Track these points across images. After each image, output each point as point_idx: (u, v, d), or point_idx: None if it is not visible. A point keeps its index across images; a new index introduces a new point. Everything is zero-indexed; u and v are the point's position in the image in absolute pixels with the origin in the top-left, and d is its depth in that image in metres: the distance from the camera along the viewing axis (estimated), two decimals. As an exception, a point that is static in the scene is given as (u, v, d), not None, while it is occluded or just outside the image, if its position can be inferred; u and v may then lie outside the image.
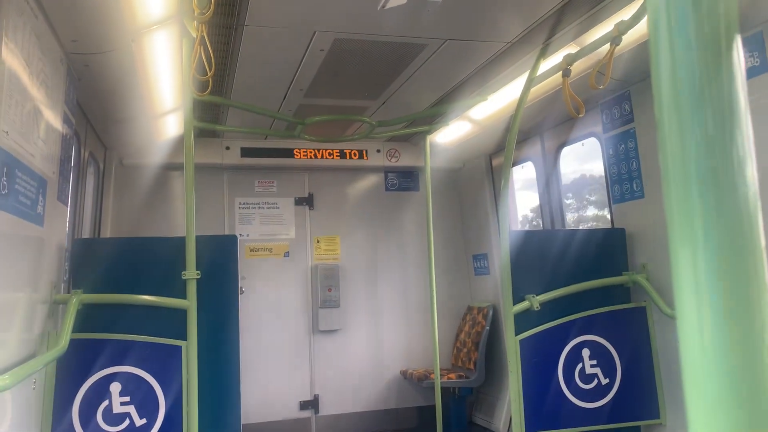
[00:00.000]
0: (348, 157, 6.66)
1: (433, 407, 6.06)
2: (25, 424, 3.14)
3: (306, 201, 6.77)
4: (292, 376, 6.44)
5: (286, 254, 6.65)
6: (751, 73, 3.49)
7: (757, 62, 3.50)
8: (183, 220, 3.79)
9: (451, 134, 6.11)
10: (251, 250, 6.50)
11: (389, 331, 6.78)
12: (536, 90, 4.47)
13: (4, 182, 2.57)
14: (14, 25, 2.63)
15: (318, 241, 6.76)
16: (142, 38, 3.56)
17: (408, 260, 6.94)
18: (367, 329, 6.74)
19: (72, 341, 3.30)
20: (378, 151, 6.78)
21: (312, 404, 6.45)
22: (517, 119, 4.28)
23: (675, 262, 0.58)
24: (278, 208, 6.69)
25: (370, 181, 7.04)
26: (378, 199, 7.01)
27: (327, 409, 6.48)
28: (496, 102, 5.10)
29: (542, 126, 5.66)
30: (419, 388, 6.62)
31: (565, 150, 5.69)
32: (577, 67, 4.02)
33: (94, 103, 4.45)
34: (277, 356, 6.40)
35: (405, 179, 7.11)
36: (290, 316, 6.54)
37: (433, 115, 5.62)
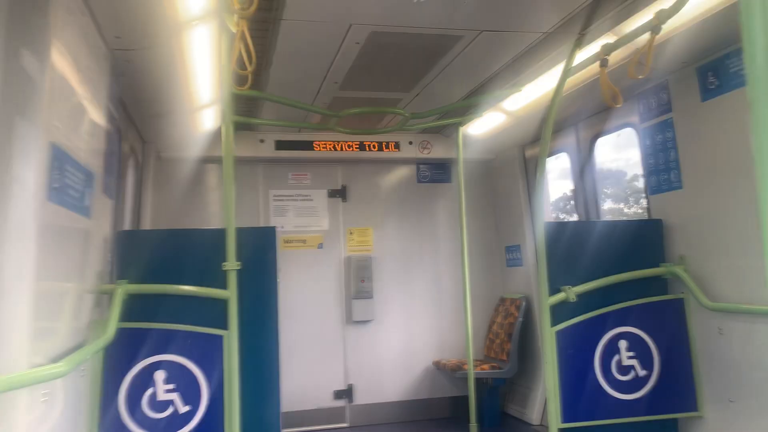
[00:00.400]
0: (381, 149, 6.69)
1: (465, 398, 6.09)
2: (75, 410, 3.25)
3: (339, 193, 6.82)
4: (327, 366, 6.52)
5: (320, 245, 6.72)
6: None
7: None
8: (219, 211, 3.89)
9: (485, 125, 6.09)
10: (286, 242, 6.58)
11: (422, 322, 6.82)
12: (572, 80, 4.44)
13: (56, 176, 2.65)
14: (62, 23, 2.71)
15: (351, 233, 6.82)
16: (183, 34, 3.63)
17: (440, 251, 6.96)
18: (400, 320, 6.78)
19: (118, 330, 3.41)
20: (410, 143, 6.80)
21: (346, 393, 6.53)
22: (553, 110, 4.26)
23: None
24: (312, 200, 6.76)
25: (403, 172, 7.07)
26: (410, 191, 7.04)
27: (361, 398, 6.56)
28: (531, 93, 5.07)
29: (577, 116, 5.61)
30: (452, 379, 6.65)
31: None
32: (614, 56, 3.98)
33: (135, 98, 4.55)
34: (312, 346, 6.48)
35: (437, 171, 7.12)
36: (324, 307, 6.61)
37: (467, 107, 5.62)
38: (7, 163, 2.34)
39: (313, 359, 6.46)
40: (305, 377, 6.39)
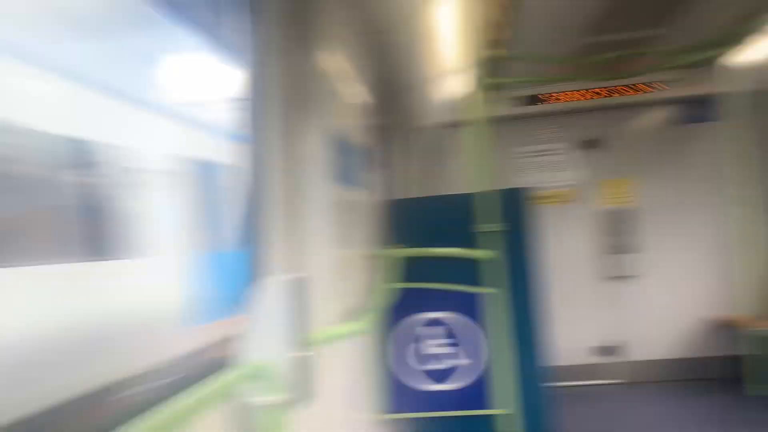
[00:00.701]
0: (636, 92, 6.24)
1: (742, 357, 5.56)
2: (361, 362, 3.72)
3: (591, 144, 6.55)
4: (589, 322, 6.42)
5: (572, 200, 6.56)
6: None
7: None
8: (471, 174, 4.03)
9: (755, 54, 5.32)
10: (537, 198, 6.55)
11: (692, 276, 6.31)
12: None
13: (336, 159, 3.01)
14: (324, 20, 3.00)
15: (606, 185, 6.53)
16: (430, 6, 3.77)
17: (710, 198, 6.32)
18: (664, 274, 6.37)
19: (395, 291, 3.78)
20: (668, 81, 6.22)
21: (611, 350, 6.38)
22: None
23: None
24: (562, 153, 6.60)
25: (661, 115, 6.51)
26: (671, 135, 6.47)
27: (626, 355, 6.36)
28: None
29: None
30: (730, 337, 6.08)
31: None
32: None
33: (385, 73, 4.87)
34: (574, 302, 6.41)
35: (701, 110, 6.41)
36: (581, 263, 6.48)
37: (736, 35, 4.96)
38: (299, 156, 2.73)
39: (576, 315, 6.40)
40: (569, 333, 6.35)
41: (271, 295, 2.18)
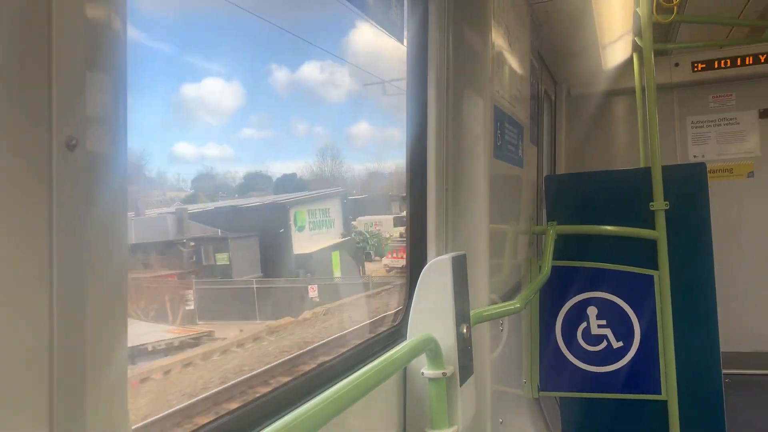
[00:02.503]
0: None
1: None
2: (519, 339, 3.70)
3: (773, 112, 5.92)
4: (764, 308, 5.86)
5: (750, 174, 5.98)
6: None
7: None
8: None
9: None
10: (708, 172, 6.04)
11: None
12: None
13: (499, 134, 2.97)
14: None
15: (789, 157, 5.88)
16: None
17: None
18: None
19: (552, 268, 3.69)
20: None
21: (790, 339, 5.80)
22: None
23: None
24: (738, 123, 6.02)
25: None
26: None
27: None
28: None
29: None
30: None
31: None
32: None
33: (550, 44, 4.70)
34: (752, 284, 5.89)
35: None
36: (760, 244, 5.91)
37: None
38: (463, 129, 2.73)
39: (753, 298, 5.87)
40: (746, 316, 5.85)
41: (435, 272, 2.23)
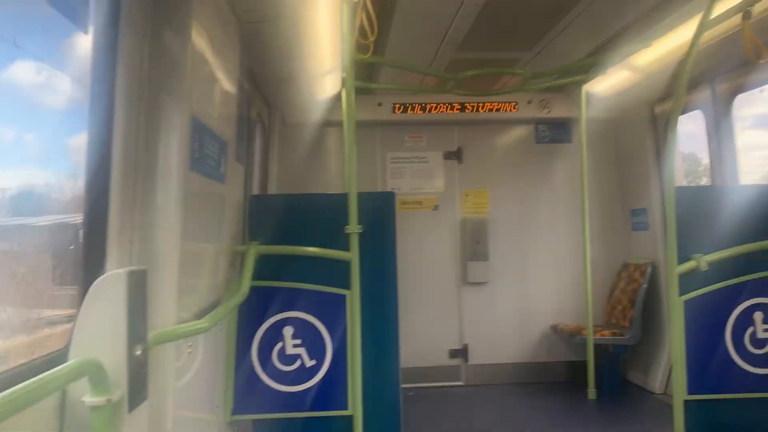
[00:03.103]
0: (498, 110, 6.57)
1: (584, 363, 6.00)
2: (214, 360, 3.57)
3: (455, 155, 6.80)
4: (443, 326, 6.64)
5: (435, 207, 6.77)
6: None
7: None
8: (339, 173, 4.04)
9: (609, 83, 5.80)
10: (402, 203, 6.69)
11: (539, 285, 6.74)
12: (709, 33, 4.12)
13: (197, 147, 2.86)
14: (200, 2, 2.87)
15: (467, 195, 6.81)
16: (307, 3, 3.72)
17: (559, 214, 6.79)
18: (516, 282, 6.74)
19: (250, 288, 3.66)
20: (529, 102, 6.62)
21: (462, 353, 6.63)
22: (688, 65, 3.98)
23: None
24: (428, 162, 6.79)
25: (521, 133, 6.91)
26: (528, 152, 6.88)
27: (476, 358, 6.64)
28: (661, 47, 4.76)
29: (713, 72, 5.21)
30: (570, 344, 6.55)
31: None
32: (760, 6, 3.65)
33: (262, 67, 4.75)
34: (428, 305, 6.61)
35: (557, 131, 6.89)
36: (440, 268, 6.70)
37: (590, 65, 5.37)
38: (155, 138, 2.56)
39: (430, 319, 6.60)
40: (423, 336, 6.54)
41: (108, 288, 2.02)
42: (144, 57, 2.53)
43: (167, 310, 2.57)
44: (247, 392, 3.83)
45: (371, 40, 3.36)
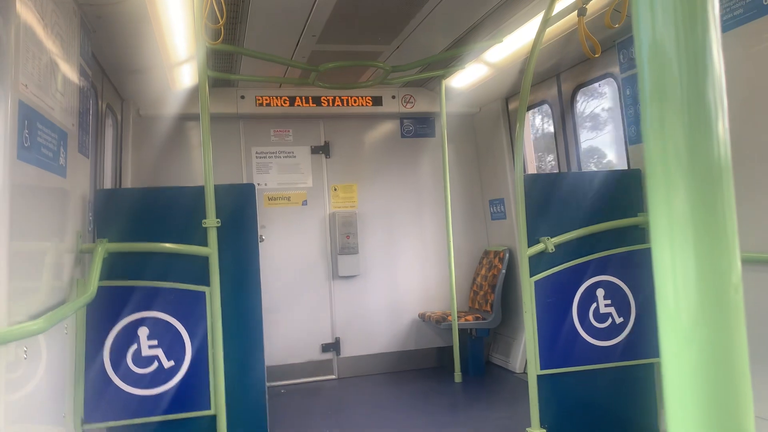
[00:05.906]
0: (363, 104, 6.65)
1: (451, 348, 6.23)
2: (60, 366, 3.30)
3: (322, 149, 6.80)
4: (314, 320, 6.61)
5: (304, 202, 6.73)
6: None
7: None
8: (201, 169, 3.87)
9: (467, 78, 6.05)
10: (270, 199, 6.59)
11: (407, 276, 6.90)
12: (552, 30, 4.40)
13: (26, 135, 2.63)
14: None
15: (335, 189, 6.82)
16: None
17: (425, 206, 6.99)
18: (386, 274, 6.86)
19: (100, 288, 3.43)
20: (393, 97, 6.76)
21: (333, 346, 6.64)
22: (533, 61, 4.23)
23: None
24: (295, 156, 6.74)
25: (386, 127, 7.04)
26: (394, 146, 7.02)
27: (348, 350, 6.68)
28: (512, 44, 5.03)
29: (558, 67, 5.58)
30: (437, 330, 6.78)
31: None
32: (593, 5, 3.95)
33: (110, 55, 4.48)
34: (299, 301, 6.56)
35: (421, 125, 7.09)
36: (310, 263, 6.67)
37: (448, 59, 5.56)
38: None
39: (301, 314, 6.55)
40: (293, 331, 6.49)
41: None
42: None
43: (-6, 313, 2.34)
44: (99, 399, 3.59)
45: (221, 24, 3.26)
